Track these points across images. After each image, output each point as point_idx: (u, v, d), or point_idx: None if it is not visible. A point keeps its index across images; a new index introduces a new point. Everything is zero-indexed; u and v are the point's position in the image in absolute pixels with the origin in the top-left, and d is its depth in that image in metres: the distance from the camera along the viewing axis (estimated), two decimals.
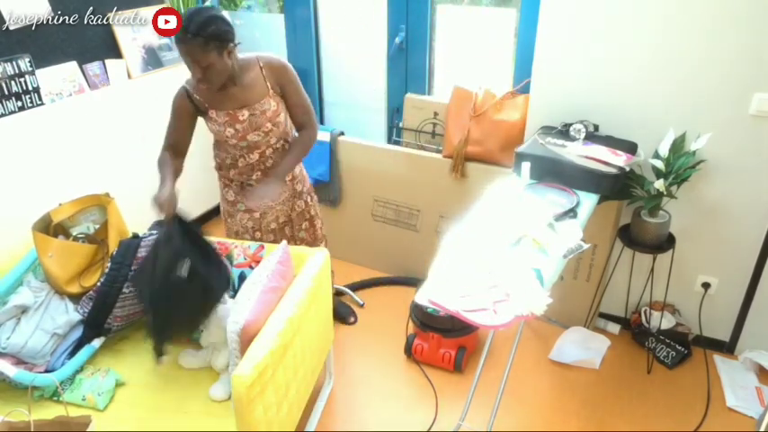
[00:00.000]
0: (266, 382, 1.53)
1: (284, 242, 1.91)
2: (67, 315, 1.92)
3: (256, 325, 1.63)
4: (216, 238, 2.08)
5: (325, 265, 1.96)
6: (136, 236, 1.98)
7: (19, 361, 1.82)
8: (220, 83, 1.83)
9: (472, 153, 2.51)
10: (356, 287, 2.86)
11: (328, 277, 2.01)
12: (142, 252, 1.96)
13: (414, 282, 2.84)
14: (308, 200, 2.22)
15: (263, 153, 2.00)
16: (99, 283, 1.94)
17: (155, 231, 2.03)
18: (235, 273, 1.98)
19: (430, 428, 2.11)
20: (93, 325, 1.94)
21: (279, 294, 1.78)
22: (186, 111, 1.93)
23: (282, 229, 2.20)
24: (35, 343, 1.83)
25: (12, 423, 1.54)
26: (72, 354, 1.90)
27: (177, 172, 1.92)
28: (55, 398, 1.78)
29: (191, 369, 1.92)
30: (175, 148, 1.96)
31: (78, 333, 1.94)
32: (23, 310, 1.89)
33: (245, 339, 1.60)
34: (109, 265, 1.94)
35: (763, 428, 1.96)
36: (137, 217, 2.85)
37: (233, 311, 1.68)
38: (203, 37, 1.70)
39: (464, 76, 2.73)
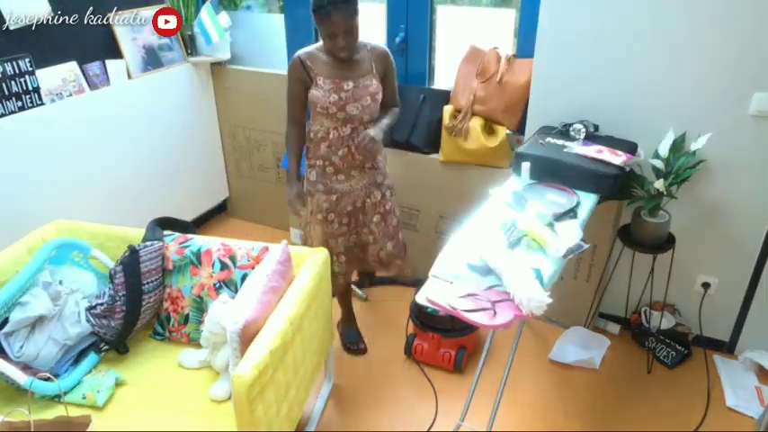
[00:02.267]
0: (266, 382, 1.53)
1: (284, 242, 1.91)
2: (80, 326, 1.89)
3: (256, 325, 1.63)
4: (220, 238, 2.08)
5: (325, 264, 1.96)
6: (134, 249, 1.94)
7: (25, 365, 1.80)
8: (355, 46, 2.02)
9: (477, 111, 2.50)
10: (356, 284, 2.86)
11: (328, 277, 2.01)
12: (145, 266, 1.94)
13: (414, 282, 2.84)
14: (387, 194, 2.27)
15: (355, 127, 2.09)
16: (119, 309, 1.91)
17: (153, 241, 2.01)
18: (238, 274, 1.98)
19: (430, 428, 2.11)
20: (116, 345, 1.95)
21: (279, 294, 1.78)
22: (301, 79, 2.07)
23: (357, 214, 2.25)
24: (46, 353, 1.82)
25: (12, 423, 1.54)
26: (77, 359, 1.89)
27: (301, 144, 2.20)
28: (56, 398, 1.77)
29: (191, 369, 1.92)
30: (297, 117, 2.16)
31: (85, 343, 1.92)
32: (40, 318, 1.86)
33: (246, 339, 1.60)
34: (122, 291, 1.91)
35: (762, 428, 1.96)
36: (136, 217, 2.85)
37: (233, 311, 1.67)
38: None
39: None
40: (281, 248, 1.88)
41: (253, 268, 1.92)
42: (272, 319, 1.66)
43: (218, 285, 1.98)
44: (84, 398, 1.76)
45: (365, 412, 2.19)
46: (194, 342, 2.01)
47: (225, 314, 1.78)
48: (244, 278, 1.94)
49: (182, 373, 1.91)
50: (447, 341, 2.32)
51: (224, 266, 1.99)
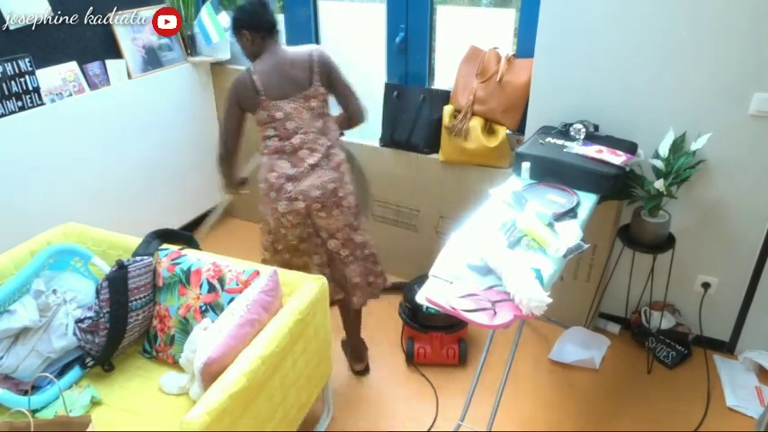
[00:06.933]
0: (226, 428, 1.40)
1: (273, 269, 1.83)
2: (66, 339, 1.83)
3: (222, 362, 1.52)
4: (213, 255, 1.99)
5: (319, 294, 1.82)
6: (122, 265, 1.85)
7: (6, 376, 1.77)
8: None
9: (477, 111, 2.50)
10: None
11: (325, 307, 1.89)
12: (133, 282, 1.88)
13: (399, 286, 2.79)
14: None
15: None
16: (104, 326, 1.84)
17: (143, 257, 1.94)
18: (225, 298, 1.85)
19: (430, 428, 2.11)
20: (103, 362, 1.88)
21: (257, 328, 1.65)
22: None
23: None
24: (27, 365, 1.77)
25: (12, 423, 1.54)
26: (62, 372, 1.83)
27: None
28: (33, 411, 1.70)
29: (170, 394, 1.81)
30: None
31: (71, 356, 1.87)
32: (24, 329, 1.81)
33: (210, 377, 1.50)
34: (107, 308, 1.83)
35: (763, 428, 1.96)
36: (136, 218, 2.85)
37: (201, 344, 1.57)
38: None
39: None
40: (267, 276, 1.76)
41: (241, 293, 1.80)
42: (242, 356, 1.53)
43: (204, 308, 1.86)
44: (56, 415, 1.66)
45: (365, 412, 2.19)
46: (179, 364, 1.86)
47: (201, 342, 1.65)
48: (231, 302, 1.81)
49: (160, 399, 1.79)
50: (449, 337, 2.33)
51: (212, 288, 1.87)
